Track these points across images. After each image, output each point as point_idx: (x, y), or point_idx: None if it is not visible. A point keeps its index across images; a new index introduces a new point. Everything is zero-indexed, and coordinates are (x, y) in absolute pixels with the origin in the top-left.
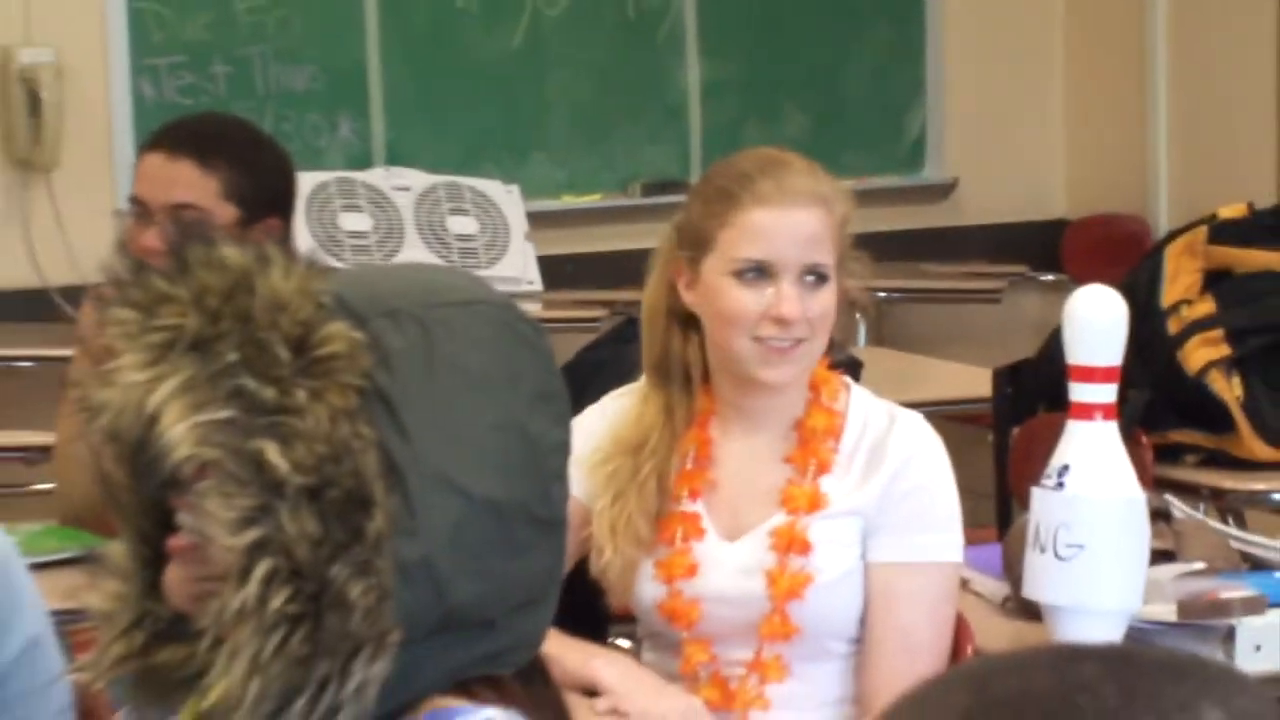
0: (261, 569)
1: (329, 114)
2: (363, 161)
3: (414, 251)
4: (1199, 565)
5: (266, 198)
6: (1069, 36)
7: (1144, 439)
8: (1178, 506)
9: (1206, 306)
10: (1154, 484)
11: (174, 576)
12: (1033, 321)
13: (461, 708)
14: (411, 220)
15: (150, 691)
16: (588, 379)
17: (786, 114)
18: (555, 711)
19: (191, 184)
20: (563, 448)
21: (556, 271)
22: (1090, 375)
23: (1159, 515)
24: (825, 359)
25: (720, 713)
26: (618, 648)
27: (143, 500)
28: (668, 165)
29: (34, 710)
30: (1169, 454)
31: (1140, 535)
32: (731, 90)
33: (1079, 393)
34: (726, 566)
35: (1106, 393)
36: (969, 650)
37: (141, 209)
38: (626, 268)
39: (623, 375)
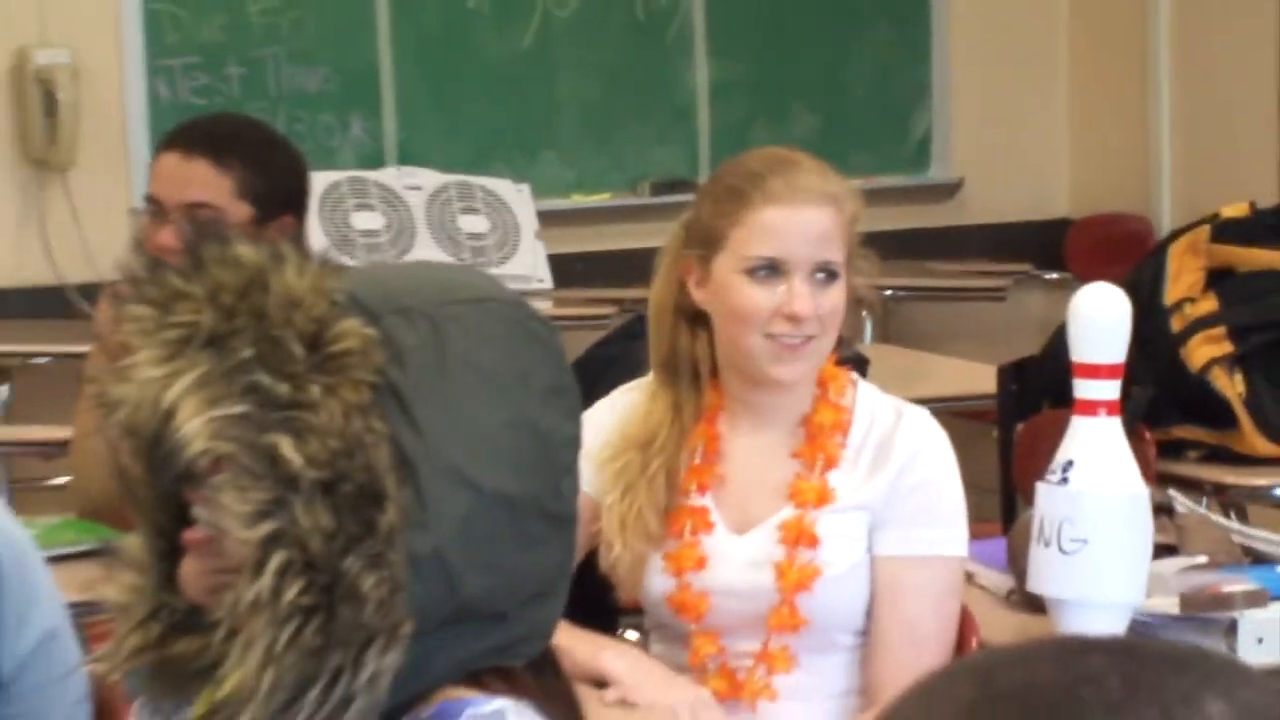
0: (275, 561)
1: (341, 114)
2: (375, 161)
3: (425, 250)
4: (1201, 559)
5: (280, 197)
6: (1073, 38)
7: (1147, 435)
8: (1180, 501)
9: (1209, 304)
10: (1157, 479)
11: (189, 569)
12: (1037, 319)
13: (473, 699)
14: (423, 219)
15: (166, 683)
16: (598, 375)
17: (794, 114)
18: (566, 703)
19: (206, 183)
20: (573, 442)
21: (566, 270)
22: (1094, 372)
23: (1162, 510)
24: (832, 355)
25: (728, 703)
26: (626, 640)
27: (159, 494)
28: (676, 165)
29: (51, 701)
30: (1172, 450)
31: (1143, 530)
32: (739, 91)
33: (1083, 389)
34: (735, 559)
35: (1110, 389)
36: (974, 643)
37: (157, 208)
38: (635, 266)
39: (632, 371)
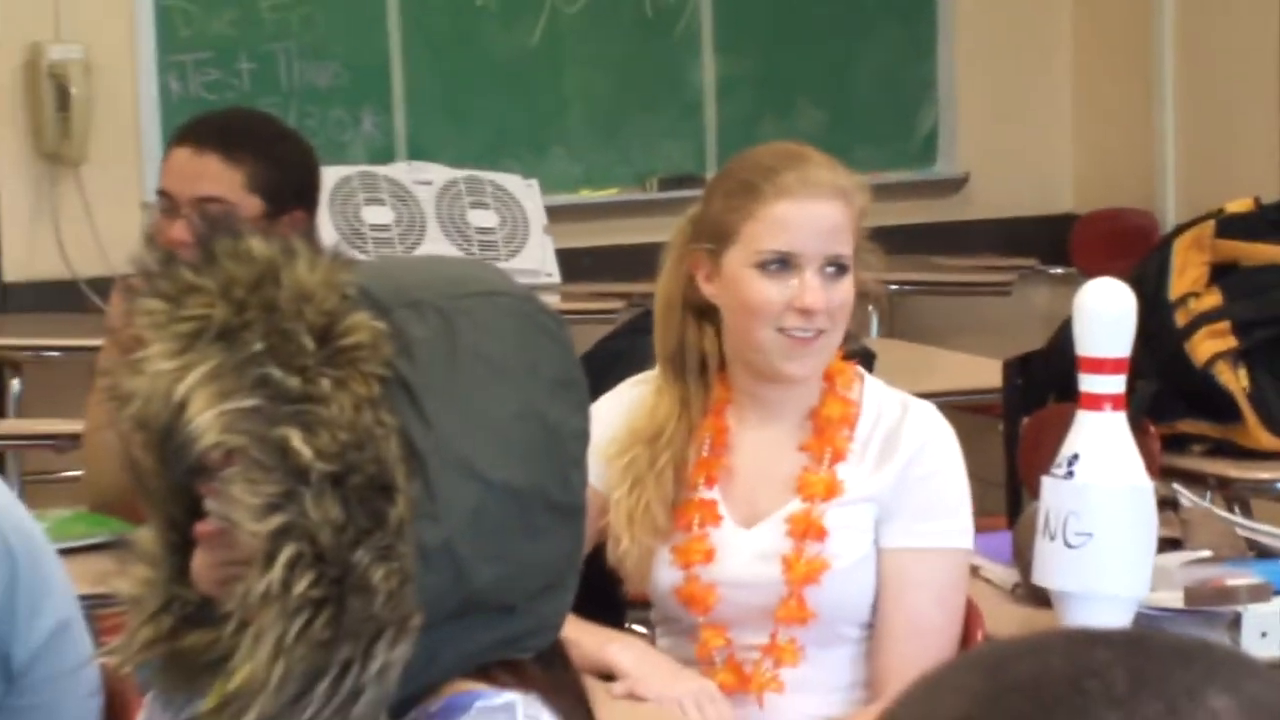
0: (286, 554)
1: (352, 109)
2: (385, 156)
3: (435, 244)
4: (1205, 553)
5: (291, 191)
6: (1078, 35)
7: (1152, 429)
8: (1185, 495)
9: (1213, 299)
10: (1161, 473)
11: (201, 561)
12: (1042, 314)
13: (482, 691)
14: (433, 213)
15: (177, 675)
16: (605, 369)
17: (801, 110)
18: (574, 695)
19: (218, 177)
20: (582, 435)
21: (574, 264)
22: (1099, 366)
23: (1166, 504)
24: (839, 350)
25: (735, 696)
26: (634, 633)
27: (171, 487)
28: (684, 160)
29: (64, 693)
30: (1176, 444)
31: (1148, 523)
32: (747, 86)
33: (1088, 383)
34: (743, 552)
35: (1115, 383)
36: (979, 636)
37: (169, 202)
38: (643, 261)
39: (639, 365)
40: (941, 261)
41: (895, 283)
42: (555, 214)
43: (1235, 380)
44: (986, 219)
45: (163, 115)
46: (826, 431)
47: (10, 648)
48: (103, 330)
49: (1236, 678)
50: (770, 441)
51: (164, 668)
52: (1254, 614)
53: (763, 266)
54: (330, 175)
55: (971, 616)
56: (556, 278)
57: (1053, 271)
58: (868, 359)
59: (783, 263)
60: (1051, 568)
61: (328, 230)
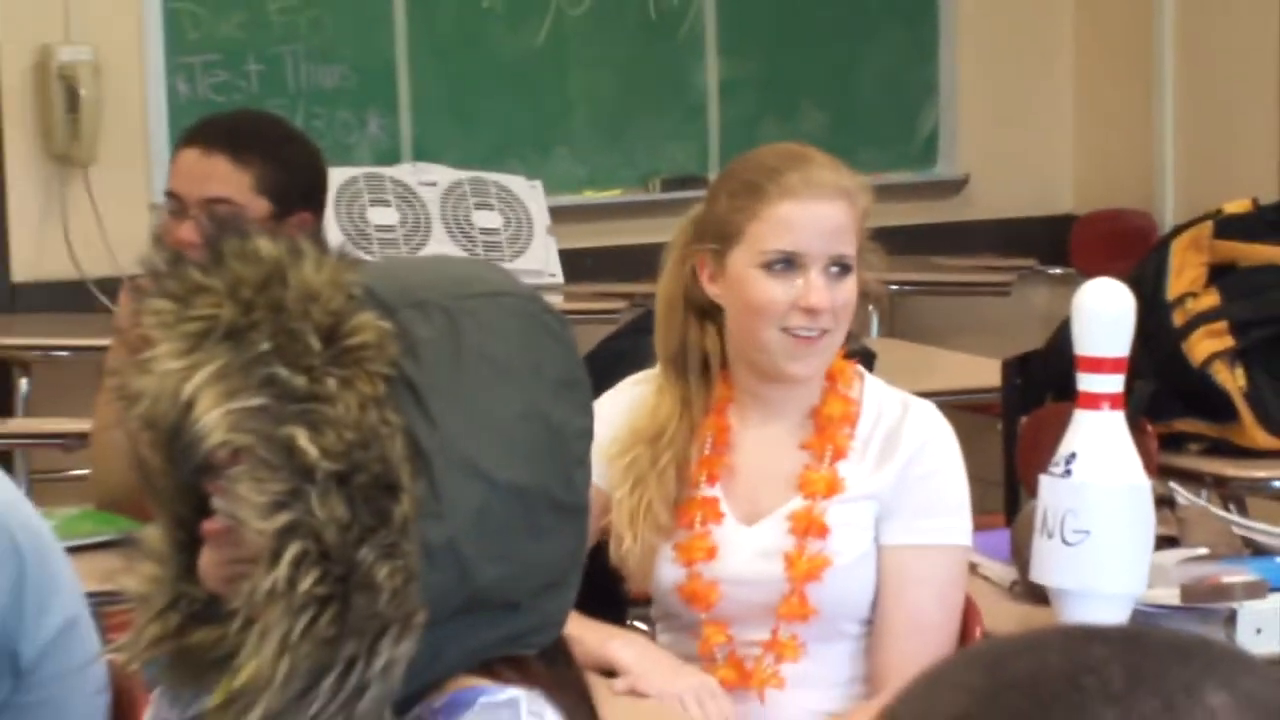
0: (291, 552)
1: (358, 111)
2: (391, 157)
3: (440, 245)
4: (1202, 550)
5: (298, 192)
6: (1078, 38)
7: (1149, 428)
8: (1181, 494)
9: (1211, 299)
10: (1159, 472)
11: (208, 559)
12: (1041, 314)
13: (486, 687)
14: (438, 214)
15: (185, 672)
16: (608, 368)
17: (803, 112)
18: (577, 691)
19: (225, 179)
20: (585, 434)
21: (578, 264)
22: (1098, 366)
23: (1163, 502)
24: (840, 349)
25: (736, 692)
26: (635, 630)
27: (178, 485)
28: (687, 161)
29: (71, 690)
30: (1173, 442)
31: (1145, 521)
32: (749, 88)
33: (1086, 383)
34: (745, 550)
35: (1113, 383)
36: (978, 633)
37: (177, 203)
38: (646, 261)
39: (642, 365)
40: (942, 262)
41: (896, 283)
42: (559, 215)
43: (1232, 380)
44: (986, 220)
45: (171, 117)
46: (828, 430)
47: (18, 645)
48: (111, 330)
49: (1233, 674)
50: (772, 440)
51: (171, 664)
52: (1249, 611)
53: (768, 266)
54: (336, 176)
55: (970, 614)
56: (560, 278)
57: (1052, 272)
58: (868, 358)
59: (788, 263)
60: (1049, 565)
61: (334, 231)
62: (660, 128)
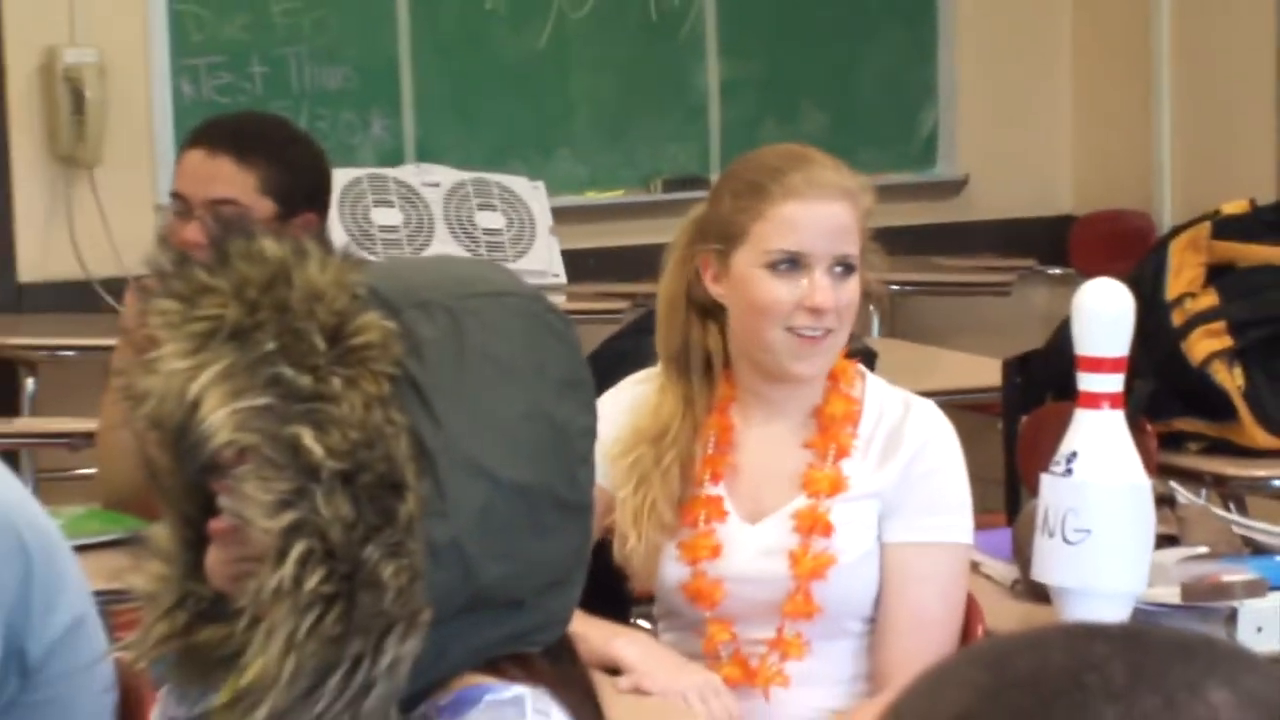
0: (297, 550)
1: (362, 112)
2: (394, 158)
3: (443, 245)
4: (1202, 549)
5: (303, 193)
6: (1077, 38)
7: (1149, 427)
8: (1181, 493)
9: (1209, 299)
10: (1158, 471)
11: (214, 558)
12: (1041, 313)
13: (491, 685)
14: (441, 215)
15: (191, 670)
16: (611, 368)
17: (804, 113)
18: (582, 689)
19: (230, 180)
20: (589, 433)
21: (580, 265)
22: (1098, 365)
23: (1163, 501)
24: (842, 348)
25: (741, 689)
26: (639, 628)
27: (185, 484)
28: (688, 162)
29: (78, 689)
30: (1173, 442)
31: (1145, 520)
32: (750, 89)
33: (1087, 382)
34: (749, 548)
35: (1113, 382)
36: (979, 631)
37: (182, 204)
38: (648, 261)
39: (644, 364)
40: (942, 262)
41: (896, 283)
42: (561, 215)
43: (1231, 379)
44: (986, 220)
45: (176, 118)
46: (831, 429)
47: (25, 643)
48: (116, 330)
49: (1235, 672)
50: (775, 439)
51: (178, 663)
52: (1249, 609)
53: (772, 266)
54: (340, 177)
55: (972, 612)
56: (562, 278)
57: (1051, 272)
58: (869, 358)
59: (792, 263)
60: (1050, 564)
61: (338, 232)
62: (661, 128)
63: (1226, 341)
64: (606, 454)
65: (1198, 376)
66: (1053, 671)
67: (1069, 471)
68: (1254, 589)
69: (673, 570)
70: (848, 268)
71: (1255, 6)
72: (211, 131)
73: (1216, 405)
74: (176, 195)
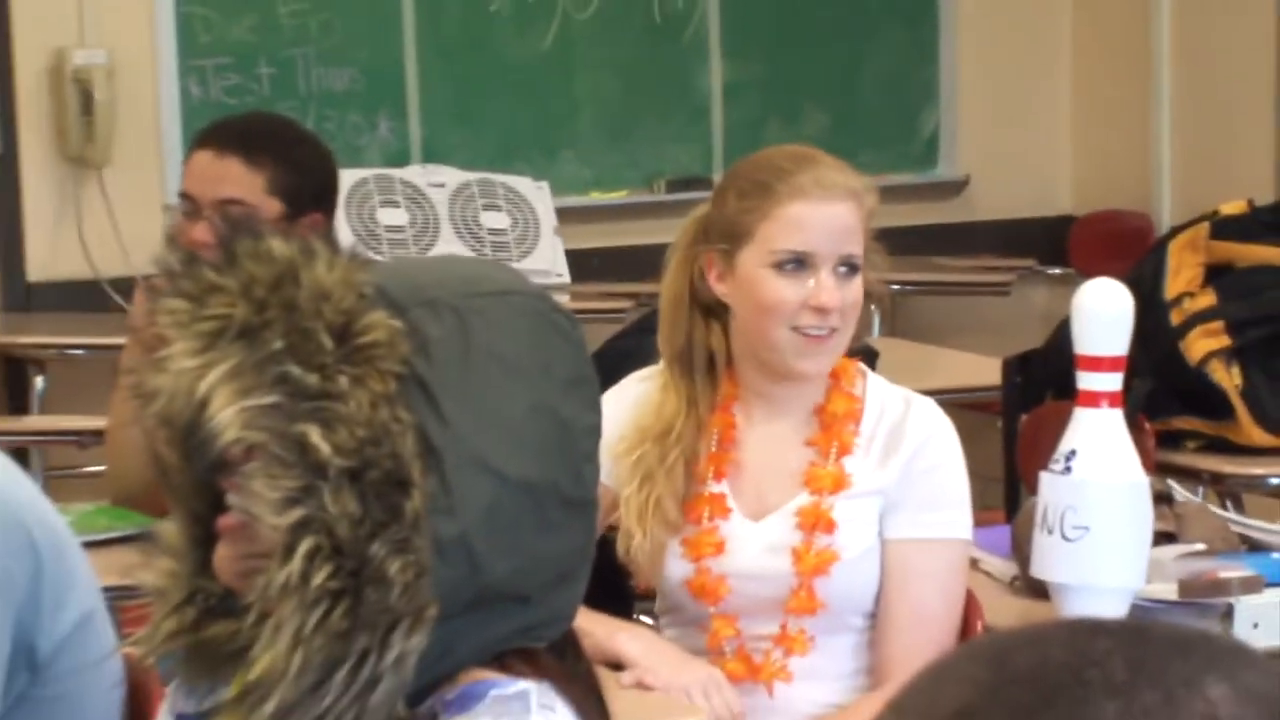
0: (305, 546)
1: (368, 114)
2: (400, 159)
3: (448, 245)
4: (1199, 546)
5: (310, 193)
6: (1076, 41)
7: (1147, 425)
8: (1179, 490)
9: (1208, 299)
10: (1156, 469)
11: (223, 554)
12: (1040, 313)
13: (497, 680)
14: (446, 215)
15: (200, 666)
16: (614, 367)
17: (806, 114)
18: (587, 684)
19: (239, 180)
20: (594, 431)
21: (584, 264)
22: (1097, 364)
23: (1161, 498)
24: None
25: (744, 685)
26: (642, 623)
27: (194, 482)
28: (691, 163)
29: (87, 685)
30: (1171, 440)
31: (1144, 517)
32: (753, 91)
33: (1086, 381)
34: (753, 545)
35: (1112, 381)
36: (979, 627)
37: (191, 204)
38: (651, 261)
39: (647, 363)
40: (942, 262)
41: (897, 283)
42: (565, 216)
43: (1228, 378)
44: (986, 220)
45: (184, 119)
46: (833, 427)
47: (35, 639)
48: (125, 329)
49: (1234, 668)
50: (777, 437)
51: (187, 658)
52: (1246, 605)
53: (779, 266)
54: (347, 178)
55: (971, 608)
56: (566, 278)
57: (1051, 272)
58: (870, 357)
59: (799, 262)
60: (1049, 561)
61: (344, 232)
62: (665, 130)
63: (1224, 341)
64: (610, 451)
65: (1196, 375)
66: (1053, 667)
67: (1068, 469)
68: (1250, 585)
69: (677, 567)
70: (852, 268)
71: (1255, 7)
72: (220, 132)
73: (1214, 404)
74: (185, 195)
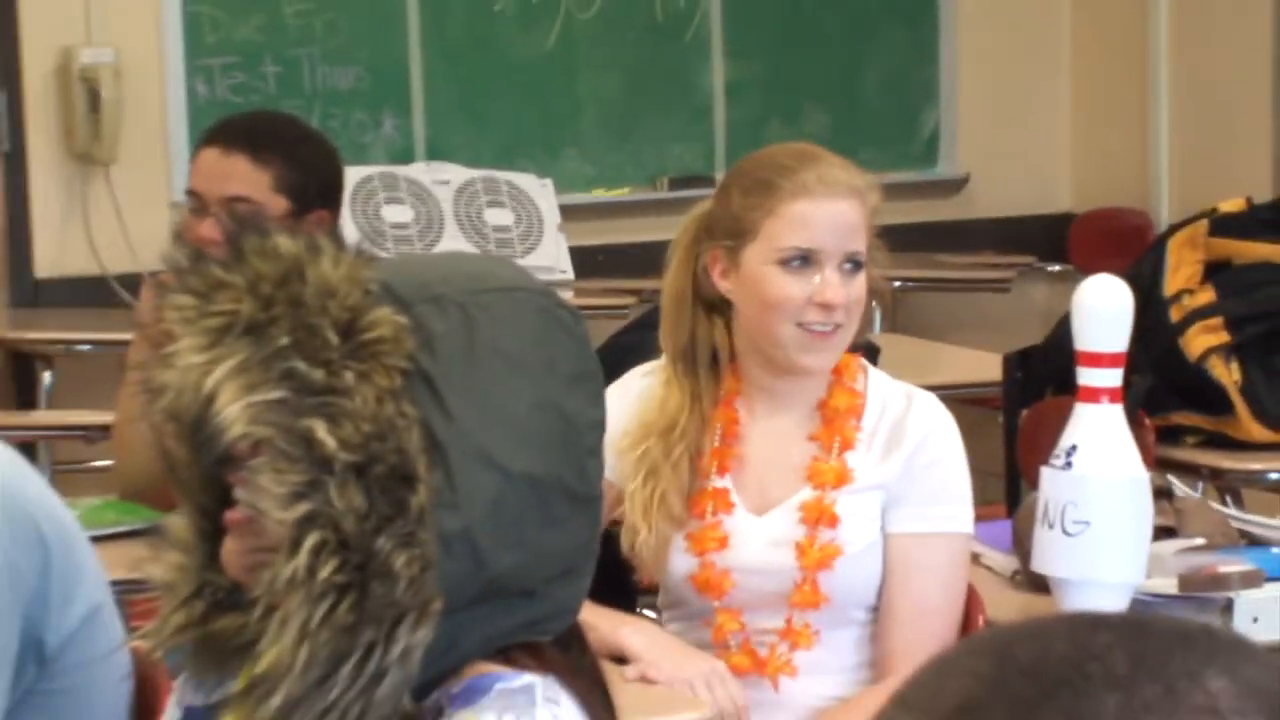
0: (311, 541)
1: (373, 112)
2: (405, 157)
3: (453, 242)
4: (1199, 541)
5: (316, 190)
6: (1075, 39)
7: (1147, 421)
8: (1179, 486)
9: (1206, 296)
10: (1156, 464)
11: (230, 548)
12: (1040, 310)
13: (502, 673)
14: (450, 212)
15: (208, 659)
16: (617, 362)
17: (807, 112)
18: (591, 678)
19: (245, 178)
20: (598, 426)
21: (587, 261)
22: (1097, 360)
23: (1161, 494)
24: None
25: (749, 678)
26: (645, 617)
27: (202, 476)
28: (693, 161)
29: (95, 678)
30: (1170, 435)
31: (1144, 512)
32: (754, 90)
33: (1086, 377)
34: (756, 539)
35: (1112, 377)
36: (980, 621)
37: (198, 202)
38: (654, 258)
39: (650, 359)
40: (943, 259)
41: (898, 279)
42: (569, 213)
43: (1227, 374)
44: (987, 218)
45: (190, 117)
46: (835, 422)
47: (43, 633)
48: (132, 325)
49: (1235, 661)
50: (780, 432)
51: (195, 652)
52: (1246, 599)
53: (784, 263)
54: (352, 175)
55: (972, 602)
56: (570, 275)
57: (1051, 269)
58: (872, 353)
59: (804, 259)
60: (1050, 555)
61: (349, 229)
62: (667, 128)
63: (1223, 337)
64: (614, 447)
65: (1195, 371)
66: (1055, 660)
67: (1068, 464)
68: (1250, 580)
69: (681, 561)
70: (856, 264)
71: (1253, 7)
72: (226, 130)
73: (1213, 400)
74: (192, 193)
